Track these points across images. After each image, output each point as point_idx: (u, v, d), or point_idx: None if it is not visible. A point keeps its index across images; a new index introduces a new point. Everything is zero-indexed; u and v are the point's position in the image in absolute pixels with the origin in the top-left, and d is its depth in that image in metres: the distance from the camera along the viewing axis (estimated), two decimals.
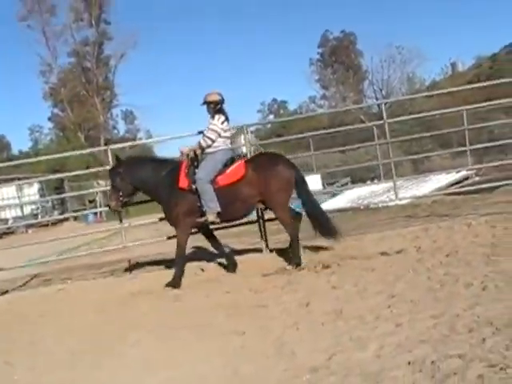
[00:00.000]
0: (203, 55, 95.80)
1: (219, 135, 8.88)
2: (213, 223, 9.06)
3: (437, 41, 79.42)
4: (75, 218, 29.58)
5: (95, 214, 28.80)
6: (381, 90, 45.60)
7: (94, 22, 54.18)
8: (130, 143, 15.65)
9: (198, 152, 8.94)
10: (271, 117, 69.14)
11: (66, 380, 5.50)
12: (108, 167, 9.91)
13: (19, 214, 30.33)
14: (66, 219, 29.16)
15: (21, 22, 52.69)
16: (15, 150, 71.19)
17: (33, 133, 61.00)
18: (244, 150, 11.18)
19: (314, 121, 34.61)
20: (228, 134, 9.11)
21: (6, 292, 10.24)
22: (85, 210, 28.89)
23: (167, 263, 10.30)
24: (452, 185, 17.12)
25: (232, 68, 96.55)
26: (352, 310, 6.11)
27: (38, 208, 32.41)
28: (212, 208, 8.67)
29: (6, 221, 27.68)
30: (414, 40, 74.76)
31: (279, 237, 11.24)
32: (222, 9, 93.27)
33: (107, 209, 10.01)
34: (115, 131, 59.09)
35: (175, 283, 8.66)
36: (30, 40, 52.92)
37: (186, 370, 5.22)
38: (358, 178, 21.86)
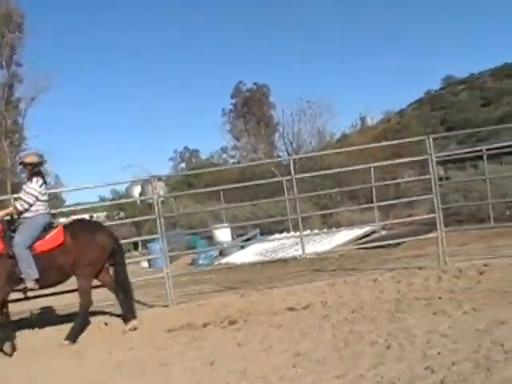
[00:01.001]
0: (117, 104, 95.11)
1: (37, 199, 8.49)
2: (31, 290, 8.57)
3: (348, 93, 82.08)
4: None
5: None
6: (291, 143, 46.23)
7: (4, 64, 53.04)
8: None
9: (14, 216, 8.60)
10: (183, 165, 69.10)
11: None
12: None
13: None
14: None
15: None
16: None
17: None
18: (152, 201, 11.05)
19: (226, 172, 34.69)
20: (46, 197, 8.74)
21: None
22: None
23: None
24: (359, 239, 17.40)
25: (145, 116, 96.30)
26: (257, 370, 6.02)
27: None
28: (30, 274, 8.24)
29: None
30: (326, 92, 77.19)
31: (187, 289, 11.11)
32: (135, 58, 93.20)
33: None
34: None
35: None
36: None
37: None
38: (267, 230, 21.93)
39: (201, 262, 18.15)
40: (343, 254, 15.24)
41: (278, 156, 45.35)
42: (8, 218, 8.55)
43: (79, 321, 8.64)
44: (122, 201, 29.61)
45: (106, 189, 58.33)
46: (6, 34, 51.63)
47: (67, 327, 8.64)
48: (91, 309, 10.38)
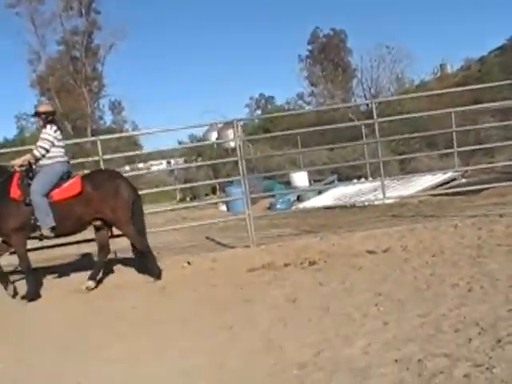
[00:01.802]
0: (194, 49, 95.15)
1: (53, 144, 8.56)
2: (47, 238, 8.69)
3: (427, 42, 79.52)
4: None
5: None
6: (370, 89, 45.59)
7: (83, 11, 53.80)
8: (117, 134, 15.57)
9: (32, 162, 8.60)
10: (258, 112, 68.88)
11: None
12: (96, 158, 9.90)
13: None
14: None
15: (8, 9, 52.18)
16: (0, 138, 70.66)
17: (19, 120, 60.25)
18: (232, 144, 11.17)
19: (303, 117, 34.42)
20: (62, 143, 8.81)
21: None
22: None
23: (157, 253, 10.34)
24: (438, 186, 17.18)
25: (222, 62, 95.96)
26: (339, 307, 6.14)
27: None
28: (46, 222, 8.33)
29: None
30: (405, 41, 75.15)
31: (266, 232, 11.28)
32: (214, 4, 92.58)
33: None
34: (102, 122, 58.64)
35: (31, 296, 8.33)
36: (18, 28, 52.41)
37: (172, 364, 5.20)
38: (345, 176, 21.88)
39: (279, 206, 18.30)
40: (422, 201, 15.13)
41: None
42: (26, 166, 8.55)
43: (148, 259, 8.91)
44: (200, 143, 29.85)
45: (183, 135, 59.10)
46: None
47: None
48: (176, 248, 10.79)
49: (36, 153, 8.48)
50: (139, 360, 5.42)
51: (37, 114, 8.80)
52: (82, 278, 8.84)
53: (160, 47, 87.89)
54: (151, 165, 44.63)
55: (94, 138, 11.79)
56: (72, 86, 53.37)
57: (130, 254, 10.10)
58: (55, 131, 8.62)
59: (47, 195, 8.32)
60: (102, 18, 54.34)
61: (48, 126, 8.59)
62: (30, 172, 8.47)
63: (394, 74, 44.35)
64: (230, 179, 17.18)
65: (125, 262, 10.05)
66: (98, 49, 55.65)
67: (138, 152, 36.08)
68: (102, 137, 11.03)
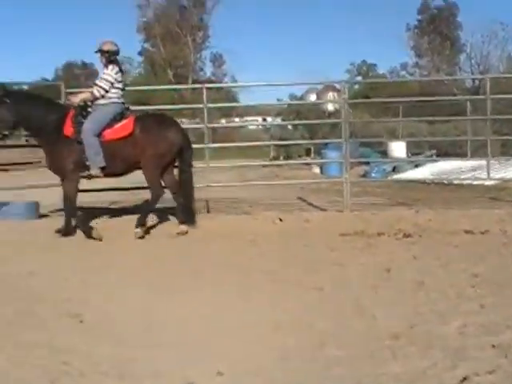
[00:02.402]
0: (299, 10, 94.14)
1: (112, 85, 8.62)
2: (96, 177, 8.79)
3: None
4: None
5: None
6: (478, 66, 44.07)
7: None
8: (226, 84, 15.59)
9: (89, 101, 8.70)
10: (359, 78, 67.82)
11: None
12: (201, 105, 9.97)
13: None
14: None
15: None
16: None
17: (123, 64, 61.50)
18: (330, 107, 11.00)
19: (405, 88, 33.70)
20: (121, 85, 8.81)
21: None
22: None
23: (246, 207, 10.36)
24: None
25: (325, 25, 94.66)
26: (434, 283, 5.96)
27: None
28: (96, 162, 8.45)
29: None
30: None
31: (361, 199, 11.11)
32: None
33: None
34: (201, 73, 59.12)
35: (66, 231, 8.60)
36: None
37: (260, 315, 5.19)
38: (443, 152, 21.25)
39: (373, 174, 17.99)
40: None
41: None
42: (81, 103, 8.67)
43: (147, 208, 8.98)
44: (299, 102, 29.64)
45: (281, 94, 58.85)
46: None
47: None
48: (268, 204, 10.77)
49: (95, 92, 8.56)
50: (228, 306, 5.43)
51: (100, 52, 8.72)
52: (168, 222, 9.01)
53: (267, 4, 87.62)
54: (246, 120, 44.80)
55: (199, 86, 11.79)
56: (177, 35, 53.92)
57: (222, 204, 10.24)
58: (116, 72, 8.67)
59: (99, 135, 8.42)
60: None
61: (110, 67, 8.66)
62: (84, 111, 8.59)
63: (506, 52, 42.61)
64: (329, 141, 17.03)
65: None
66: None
67: (238, 104, 36.26)
68: (207, 85, 11.03)
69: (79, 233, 8.66)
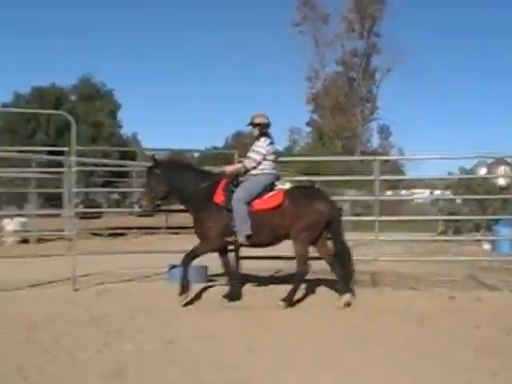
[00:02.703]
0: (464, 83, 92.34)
1: (264, 158, 8.72)
2: (241, 245, 8.93)
3: None
4: None
5: None
6: None
7: (365, 34, 54.93)
8: (396, 157, 15.46)
9: (241, 172, 8.84)
10: None
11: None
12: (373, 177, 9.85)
13: None
14: None
15: (293, 27, 54.92)
16: None
17: (292, 134, 63.07)
18: (501, 181, 10.50)
19: None
20: (272, 157, 8.87)
21: None
22: None
23: (416, 283, 10.04)
24: None
25: (494, 95, 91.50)
26: None
27: None
28: (243, 230, 8.48)
29: None
30: None
31: None
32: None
33: (355, 218, 9.76)
34: (368, 144, 59.11)
35: (181, 294, 8.49)
36: (300, 45, 54.79)
37: None
38: None
39: None
40: None
41: None
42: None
43: (295, 286, 8.71)
44: (469, 176, 28.76)
45: (451, 167, 57.40)
46: (370, 5, 53.40)
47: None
48: (436, 280, 10.39)
49: (247, 164, 8.76)
50: None
51: (252, 125, 8.93)
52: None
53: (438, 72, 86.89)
54: (413, 193, 44.00)
55: (371, 158, 11.75)
56: (346, 106, 54.52)
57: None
58: (268, 145, 8.79)
59: (248, 204, 8.52)
60: (382, 42, 55.09)
61: (262, 139, 8.81)
62: (235, 180, 8.77)
63: None
64: (500, 217, 16.27)
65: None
66: (375, 71, 56.43)
67: (411, 177, 35.74)
68: (379, 157, 10.99)
69: (245, 300, 8.78)
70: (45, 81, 65.99)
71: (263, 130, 8.90)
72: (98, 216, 27.47)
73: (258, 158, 8.72)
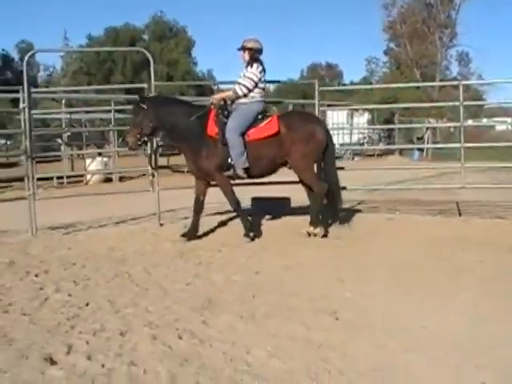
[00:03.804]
0: None
1: (256, 85, 8.31)
2: (239, 178, 8.48)
3: None
4: (400, 153, 29.46)
5: (421, 151, 28.31)
6: None
7: None
8: (480, 81, 14.90)
9: (231, 99, 8.43)
10: None
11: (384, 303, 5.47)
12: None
13: (346, 140, 31.21)
14: (392, 152, 29.22)
15: None
16: (347, 80, 73.24)
17: (369, 64, 61.67)
18: None
19: None
20: (263, 85, 8.51)
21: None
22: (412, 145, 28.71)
23: (500, 211, 9.78)
24: None
25: None
26: None
27: (365, 138, 32.90)
28: (240, 162, 8.18)
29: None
30: None
31: None
32: None
33: (434, 147, 9.45)
34: (447, 72, 57.18)
35: (248, 233, 8.44)
36: None
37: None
38: None
39: None
40: None
41: None
42: (222, 102, 8.43)
43: (317, 206, 8.63)
44: None
45: None
46: None
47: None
48: None
49: (238, 91, 8.35)
50: (486, 316, 5.12)
51: (243, 49, 8.48)
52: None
53: None
54: (494, 121, 42.72)
55: (456, 82, 11.36)
56: (424, 33, 52.76)
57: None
58: (260, 72, 8.41)
59: (243, 134, 8.22)
60: None
61: (255, 65, 8.39)
62: (225, 110, 8.37)
63: None
64: None
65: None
66: None
67: (493, 102, 34.59)
68: (464, 82, 10.61)
69: (335, 231, 8.79)
70: (117, 21, 66.50)
71: (255, 55, 8.47)
72: (177, 153, 27.93)
73: (250, 85, 8.32)
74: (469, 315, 5.16)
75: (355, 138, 32.15)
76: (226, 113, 8.31)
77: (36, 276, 6.65)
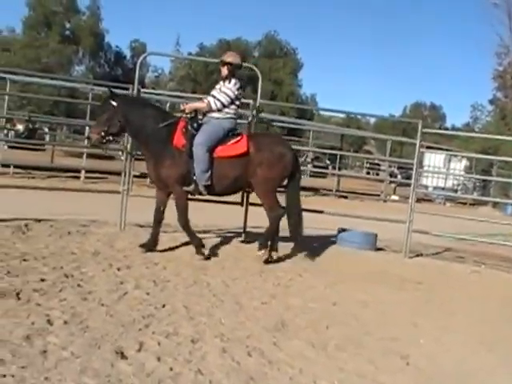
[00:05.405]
0: None
1: (232, 101, 8.03)
2: (199, 195, 8.15)
3: None
4: (494, 205, 28.69)
5: None
6: None
7: None
8: None
9: (203, 111, 8.04)
10: None
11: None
12: None
13: (440, 184, 30.66)
14: (485, 203, 28.51)
15: (488, 0, 52.00)
16: (449, 124, 72.02)
17: (474, 110, 60.45)
18: None
19: None
20: (239, 102, 8.22)
21: (420, 255, 10.37)
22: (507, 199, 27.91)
23: None
24: None
25: None
26: None
27: (459, 184, 32.26)
28: (204, 179, 7.84)
29: (425, 187, 28.08)
30: None
31: None
32: None
33: None
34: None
35: (199, 250, 8.04)
36: (493, 19, 51.83)
37: None
38: None
39: None
40: None
41: None
42: (193, 114, 8.07)
43: (270, 230, 8.32)
44: None
45: None
46: None
47: None
48: None
49: (212, 105, 8.00)
50: None
51: (222, 63, 8.20)
52: None
53: None
54: None
55: None
56: None
57: None
58: (238, 88, 8.13)
59: (211, 150, 7.88)
60: None
61: (232, 81, 8.11)
62: (196, 122, 8.02)
63: None
64: None
65: None
66: None
67: None
68: None
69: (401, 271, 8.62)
70: (229, 34, 67.69)
71: (234, 70, 8.20)
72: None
73: (225, 101, 8.02)
74: None
75: (450, 184, 31.55)
76: (195, 125, 8.00)
77: (118, 270, 6.80)
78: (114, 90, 8.33)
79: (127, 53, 52.99)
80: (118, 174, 10.34)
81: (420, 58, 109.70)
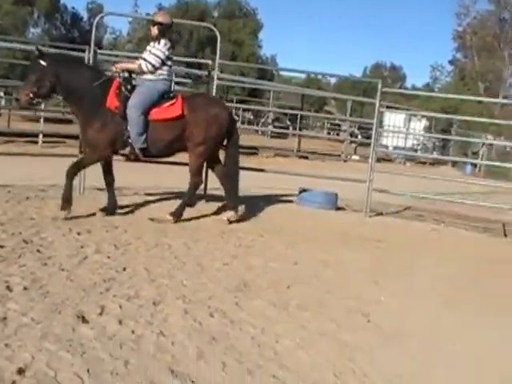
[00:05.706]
0: None
1: (163, 62, 7.87)
2: (135, 157, 8.04)
3: None
4: (453, 165, 29.05)
5: (474, 166, 27.85)
6: None
7: None
8: None
9: (134, 72, 7.92)
10: None
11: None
12: None
13: (400, 144, 30.88)
14: (444, 163, 28.83)
15: None
16: (409, 84, 72.29)
17: (434, 70, 60.80)
18: None
19: None
20: (170, 62, 8.08)
21: (381, 214, 10.49)
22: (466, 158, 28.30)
23: None
24: None
25: None
26: None
27: (419, 144, 32.51)
28: (138, 142, 7.71)
29: (386, 147, 28.22)
30: None
31: None
32: None
33: (488, 164, 9.20)
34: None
35: (63, 206, 7.49)
36: None
37: None
38: None
39: None
40: None
41: None
42: (126, 74, 7.92)
43: (186, 198, 8.24)
44: None
45: None
46: None
47: None
48: None
49: (143, 67, 7.83)
50: None
51: (153, 23, 8.04)
52: None
53: None
54: None
55: None
56: (493, 48, 51.81)
57: None
58: (168, 49, 8.01)
59: (145, 113, 7.75)
60: None
61: (162, 42, 7.95)
62: (129, 83, 7.88)
63: None
64: None
65: None
66: None
67: None
68: None
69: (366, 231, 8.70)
70: None
71: (164, 30, 8.03)
72: None
73: (156, 62, 7.85)
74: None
75: (410, 143, 31.80)
76: (129, 87, 7.82)
77: (78, 234, 6.73)
78: (41, 48, 7.97)
79: (84, 14, 51.88)
80: (76, 137, 10.15)
81: (380, 19, 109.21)
